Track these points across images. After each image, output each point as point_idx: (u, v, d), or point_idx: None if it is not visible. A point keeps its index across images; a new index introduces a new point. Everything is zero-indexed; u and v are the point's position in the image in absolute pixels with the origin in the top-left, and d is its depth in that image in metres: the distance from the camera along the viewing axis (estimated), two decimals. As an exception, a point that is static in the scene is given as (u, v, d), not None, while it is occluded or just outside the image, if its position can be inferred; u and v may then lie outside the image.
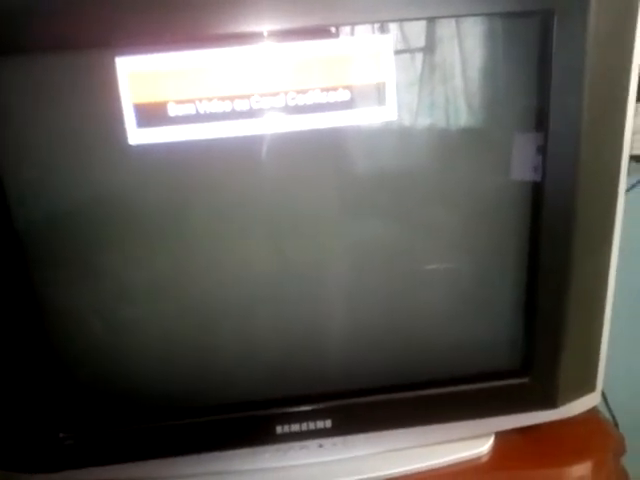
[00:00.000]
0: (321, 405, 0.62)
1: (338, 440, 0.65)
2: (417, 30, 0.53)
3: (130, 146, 0.52)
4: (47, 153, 0.54)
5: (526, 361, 0.63)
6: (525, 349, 0.63)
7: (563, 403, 0.65)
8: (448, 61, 0.55)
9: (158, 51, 0.50)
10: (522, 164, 0.57)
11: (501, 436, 0.70)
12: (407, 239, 0.61)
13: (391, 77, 0.52)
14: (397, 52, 0.52)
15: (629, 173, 0.61)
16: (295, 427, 0.62)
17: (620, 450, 0.71)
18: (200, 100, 0.51)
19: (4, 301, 0.55)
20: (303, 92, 0.51)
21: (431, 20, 0.53)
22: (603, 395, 0.71)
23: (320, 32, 0.52)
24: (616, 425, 0.85)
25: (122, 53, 0.50)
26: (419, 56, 0.54)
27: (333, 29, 0.52)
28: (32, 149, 0.54)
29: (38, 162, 0.54)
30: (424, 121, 0.56)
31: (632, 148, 0.60)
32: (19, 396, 0.59)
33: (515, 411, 0.65)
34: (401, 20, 0.52)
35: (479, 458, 0.69)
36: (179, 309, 0.61)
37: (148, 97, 0.51)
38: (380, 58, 0.52)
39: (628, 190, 0.75)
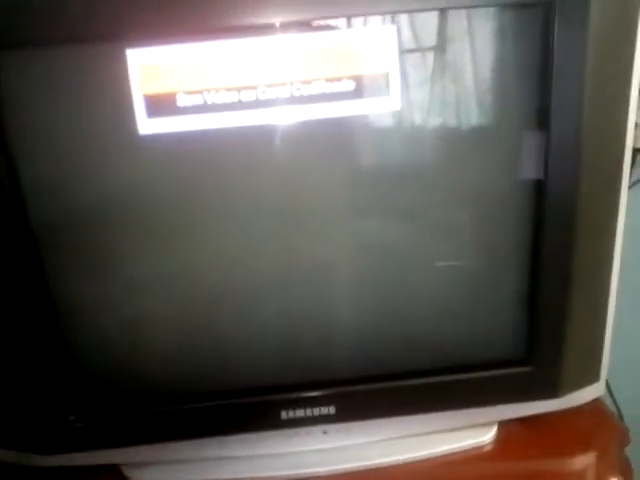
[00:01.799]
0: (325, 391, 0.63)
1: (342, 427, 0.66)
2: (419, 23, 0.53)
3: (140, 136, 0.53)
4: (59, 145, 0.55)
5: (529, 350, 0.63)
6: (528, 338, 0.63)
7: (566, 393, 0.65)
8: (451, 56, 0.55)
9: (167, 43, 0.51)
10: (525, 161, 0.57)
11: (504, 426, 0.70)
12: (413, 234, 0.62)
13: (394, 68, 0.53)
14: (400, 44, 0.53)
15: (635, 167, 0.61)
16: (300, 412, 0.64)
17: (624, 441, 0.71)
18: (208, 91, 0.52)
19: (20, 292, 0.57)
20: (308, 82, 0.52)
21: (433, 12, 0.53)
22: (608, 386, 0.71)
23: (324, 24, 0.52)
24: (620, 416, 0.85)
25: (132, 45, 0.51)
26: (420, 49, 0.55)
27: (337, 21, 0.52)
28: (44, 141, 0.55)
29: (50, 155, 0.56)
30: (428, 115, 0.57)
31: (636, 141, 0.60)
32: (31, 380, 0.60)
33: (518, 400, 0.65)
34: (402, 12, 0.52)
35: (482, 447, 0.70)
36: (186, 298, 0.62)
37: (158, 88, 0.52)
38: (383, 49, 0.52)
39: (635, 184, 0.75)
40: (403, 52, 0.53)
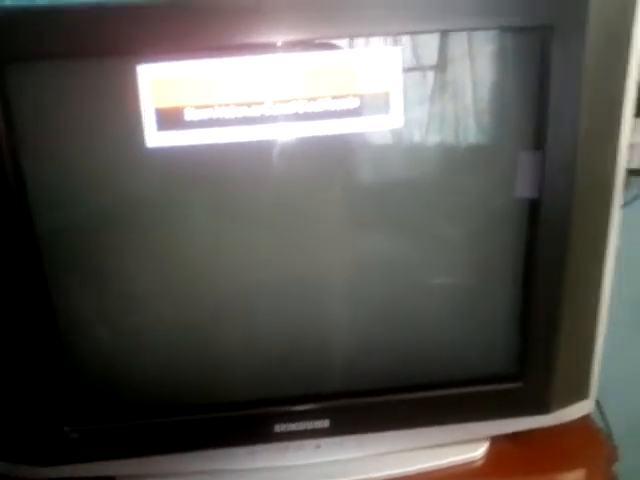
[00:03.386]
0: (319, 405, 0.64)
1: (335, 441, 0.66)
2: (421, 44, 0.55)
3: (148, 149, 0.53)
4: (69, 158, 0.56)
5: (520, 366, 0.64)
6: (519, 354, 0.64)
7: (556, 409, 0.66)
8: (451, 76, 0.57)
9: (177, 59, 0.52)
10: (520, 180, 0.58)
11: (495, 442, 0.71)
12: (408, 250, 0.62)
13: (396, 87, 0.54)
14: (402, 64, 0.54)
15: (629, 187, 0.62)
16: (293, 426, 0.64)
17: (612, 458, 0.72)
18: (216, 106, 0.53)
19: (20, 300, 0.57)
20: (314, 99, 0.53)
21: (435, 34, 0.54)
22: (598, 404, 0.72)
23: (330, 43, 0.53)
24: (610, 434, 0.85)
25: (144, 61, 0.51)
26: (422, 69, 0.56)
27: (343, 40, 0.53)
28: (54, 153, 0.55)
29: (60, 166, 0.56)
30: (427, 133, 0.58)
31: (630, 162, 0.61)
32: (26, 390, 0.60)
33: (508, 415, 0.66)
34: (404, 33, 0.53)
35: (473, 462, 0.70)
36: (183, 312, 0.62)
37: (168, 102, 0.52)
38: (386, 69, 0.53)
39: (628, 203, 0.77)
40: (405, 72, 0.54)
